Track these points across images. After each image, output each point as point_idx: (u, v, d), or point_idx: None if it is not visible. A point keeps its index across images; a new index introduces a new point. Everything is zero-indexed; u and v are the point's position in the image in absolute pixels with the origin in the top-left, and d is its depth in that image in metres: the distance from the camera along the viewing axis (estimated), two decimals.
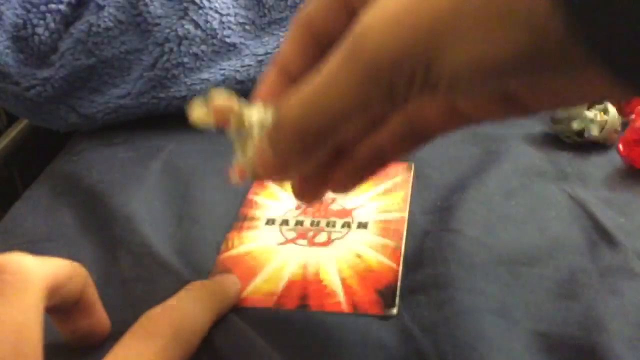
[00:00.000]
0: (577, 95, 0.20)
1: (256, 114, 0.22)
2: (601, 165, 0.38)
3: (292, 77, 0.24)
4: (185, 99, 0.46)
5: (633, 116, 0.38)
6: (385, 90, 0.19)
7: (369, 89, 0.19)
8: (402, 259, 0.32)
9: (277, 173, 0.23)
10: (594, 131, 0.38)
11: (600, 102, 0.39)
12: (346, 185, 0.26)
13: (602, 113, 0.39)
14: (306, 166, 0.23)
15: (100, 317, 0.28)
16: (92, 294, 0.27)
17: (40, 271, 0.23)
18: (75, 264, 0.26)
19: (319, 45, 0.24)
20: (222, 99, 0.23)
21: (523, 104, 0.21)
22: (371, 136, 0.25)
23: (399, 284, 0.31)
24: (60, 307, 0.25)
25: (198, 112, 0.23)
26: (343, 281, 0.31)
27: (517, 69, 0.18)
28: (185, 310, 0.26)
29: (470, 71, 0.18)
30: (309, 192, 0.26)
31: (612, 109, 0.39)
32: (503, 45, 0.17)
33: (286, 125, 0.21)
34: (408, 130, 0.25)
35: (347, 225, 0.35)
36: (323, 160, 0.24)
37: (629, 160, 0.37)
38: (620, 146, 0.37)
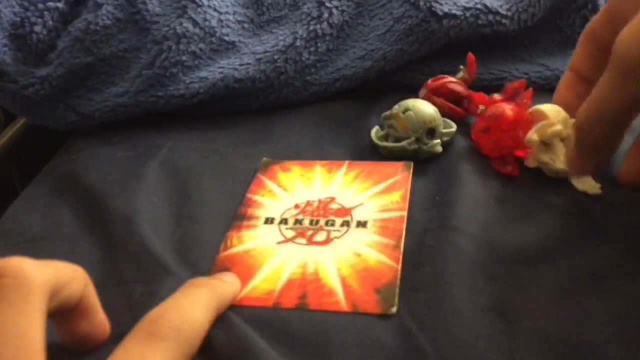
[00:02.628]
0: None
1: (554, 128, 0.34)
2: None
3: (582, 77, 0.35)
4: (184, 97, 0.46)
5: (482, 107, 0.40)
6: None
7: (631, 89, 0.28)
8: (401, 257, 0.32)
9: (586, 169, 0.33)
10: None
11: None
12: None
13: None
14: (603, 157, 0.33)
15: (100, 319, 0.28)
16: (92, 296, 0.27)
17: (41, 275, 0.23)
18: (76, 267, 0.26)
19: (601, 49, 0.33)
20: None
21: None
22: None
23: (398, 282, 0.31)
24: (60, 311, 0.25)
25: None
26: (342, 280, 0.31)
27: None
28: (187, 310, 0.26)
29: None
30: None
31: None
32: None
33: (584, 132, 0.31)
34: None
35: (346, 224, 0.35)
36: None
37: (478, 145, 0.39)
38: (472, 133, 0.40)
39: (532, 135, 0.35)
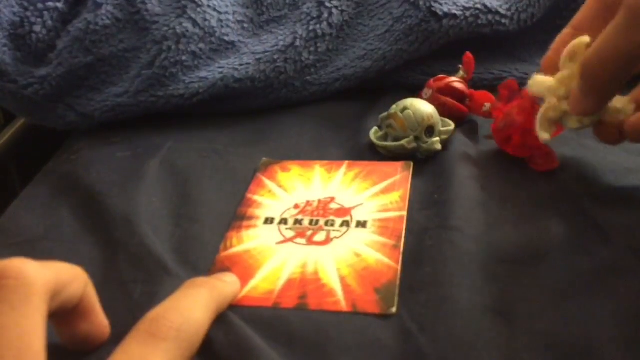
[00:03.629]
0: None
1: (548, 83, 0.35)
2: (598, 162, 0.38)
3: (582, 34, 0.34)
4: (184, 97, 0.46)
5: (488, 105, 0.40)
6: None
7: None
8: (401, 257, 0.32)
9: (587, 108, 0.33)
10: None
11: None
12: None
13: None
14: (606, 99, 0.33)
15: (100, 320, 0.28)
16: (92, 297, 0.27)
17: (42, 276, 0.23)
18: (76, 268, 0.26)
19: (608, 9, 0.32)
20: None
21: None
22: None
23: (398, 282, 0.31)
24: (60, 311, 0.25)
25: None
26: (342, 280, 0.31)
27: None
28: (187, 310, 0.26)
29: None
30: (610, 137, 0.35)
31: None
32: None
33: (588, 69, 0.31)
34: None
35: (346, 224, 0.35)
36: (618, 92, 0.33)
37: (512, 154, 0.39)
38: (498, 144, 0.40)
39: (543, 135, 0.35)
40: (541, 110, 0.35)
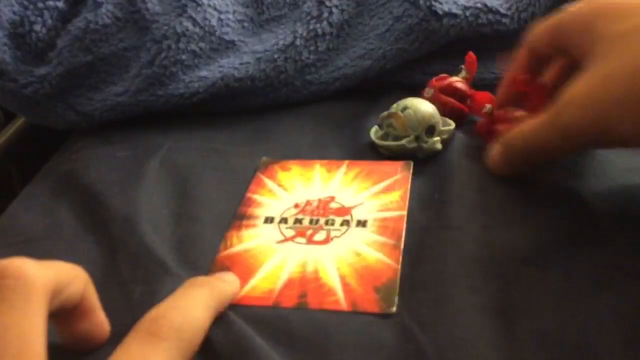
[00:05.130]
0: None
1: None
2: (598, 161, 0.38)
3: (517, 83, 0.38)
4: (184, 97, 0.46)
5: (489, 106, 0.40)
6: (571, 145, 0.33)
7: (561, 143, 0.32)
8: (401, 257, 0.32)
9: (503, 171, 0.36)
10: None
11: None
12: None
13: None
14: (521, 169, 0.36)
15: (100, 320, 0.28)
16: (92, 296, 0.27)
17: (42, 276, 0.23)
18: (76, 267, 0.26)
19: (537, 62, 0.37)
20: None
21: None
22: None
23: (398, 282, 0.31)
24: (60, 311, 0.25)
25: None
26: (342, 279, 0.31)
27: None
28: (187, 309, 0.26)
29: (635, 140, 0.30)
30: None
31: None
32: None
33: (513, 148, 0.35)
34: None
35: (346, 223, 0.35)
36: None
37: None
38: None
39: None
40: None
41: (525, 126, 0.34)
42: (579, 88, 0.31)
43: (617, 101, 0.29)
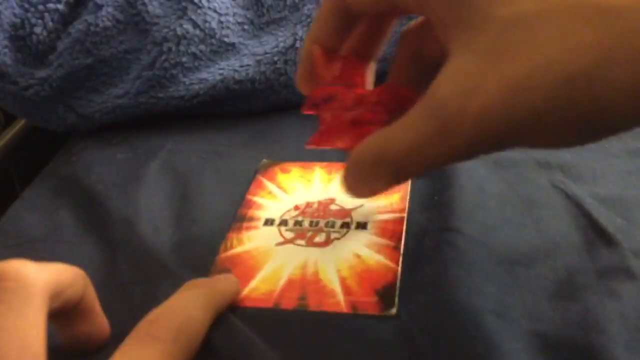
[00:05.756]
0: None
1: None
2: (598, 163, 0.38)
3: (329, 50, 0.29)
4: (184, 99, 0.46)
5: None
6: (458, 153, 0.22)
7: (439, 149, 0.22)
8: (401, 258, 0.32)
9: (357, 193, 0.28)
10: None
11: None
12: None
13: None
14: (377, 190, 0.27)
15: (100, 321, 0.28)
16: (92, 298, 0.27)
17: (42, 278, 0.23)
18: (76, 269, 0.26)
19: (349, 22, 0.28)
20: None
21: None
22: None
23: (398, 284, 0.31)
24: (60, 312, 0.25)
25: None
26: (342, 281, 0.31)
27: None
28: (186, 311, 0.26)
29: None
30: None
31: None
32: None
33: (362, 162, 0.26)
34: None
35: (346, 225, 0.35)
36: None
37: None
38: None
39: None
40: None
41: (374, 140, 0.25)
42: (478, 97, 0.21)
43: (535, 114, 0.21)
